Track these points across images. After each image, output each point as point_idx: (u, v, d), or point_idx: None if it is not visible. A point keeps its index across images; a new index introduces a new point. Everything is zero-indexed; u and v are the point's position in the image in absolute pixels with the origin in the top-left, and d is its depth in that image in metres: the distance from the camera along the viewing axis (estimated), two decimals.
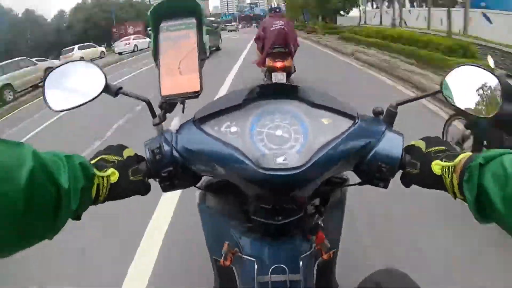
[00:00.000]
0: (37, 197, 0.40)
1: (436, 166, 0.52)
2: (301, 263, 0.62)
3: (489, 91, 0.61)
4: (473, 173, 0.45)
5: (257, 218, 0.61)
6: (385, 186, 0.60)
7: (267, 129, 0.56)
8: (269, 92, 0.60)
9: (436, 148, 0.55)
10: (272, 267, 0.61)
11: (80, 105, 0.60)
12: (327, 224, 0.68)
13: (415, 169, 0.55)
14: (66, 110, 0.61)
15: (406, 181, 0.58)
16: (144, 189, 0.59)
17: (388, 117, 0.61)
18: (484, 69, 0.61)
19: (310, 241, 0.66)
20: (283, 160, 0.52)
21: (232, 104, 0.58)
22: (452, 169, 0.50)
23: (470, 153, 0.50)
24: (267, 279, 0.60)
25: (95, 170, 0.52)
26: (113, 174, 0.54)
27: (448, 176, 0.50)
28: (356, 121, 0.57)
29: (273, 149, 0.54)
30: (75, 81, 0.61)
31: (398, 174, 0.59)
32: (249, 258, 0.63)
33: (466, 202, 0.48)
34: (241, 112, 0.58)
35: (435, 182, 0.53)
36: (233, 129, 0.56)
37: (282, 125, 0.56)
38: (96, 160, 0.56)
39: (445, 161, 0.51)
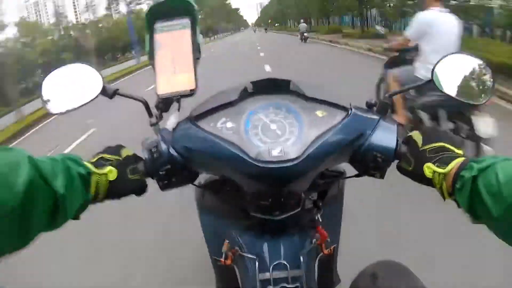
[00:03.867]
0: (33, 203, 0.40)
1: (428, 170, 0.52)
2: (302, 258, 0.62)
3: (479, 78, 0.62)
4: (466, 183, 0.45)
5: (255, 215, 0.61)
6: (382, 176, 0.60)
7: (262, 124, 0.57)
8: (263, 87, 0.61)
9: (432, 145, 0.55)
10: (273, 264, 0.61)
11: (78, 108, 0.61)
12: (326, 219, 0.68)
13: (409, 166, 0.56)
14: (64, 112, 0.61)
15: (400, 171, 0.59)
16: (141, 188, 0.60)
17: (381, 108, 0.62)
18: (474, 57, 0.62)
19: (310, 237, 0.66)
20: (279, 153, 0.52)
21: (227, 101, 0.59)
22: (443, 177, 0.50)
23: (463, 158, 0.50)
24: (268, 276, 0.60)
25: (93, 168, 0.52)
26: (111, 172, 0.54)
27: (438, 183, 0.51)
28: (350, 113, 0.58)
29: (268, 142, 0.54)
30: (72, 84, 0.62)
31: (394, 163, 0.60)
32: (250, 256, 0.63)
33: (456, 204, 0.49)
34: (236, 108, 0.59)
35: (427, 182, 0.54)
36: (229, 124, 0.57)
37: (277, 119, 0.57)
38: (95, 159, 0.57)
39: (437, 166, 0.51)
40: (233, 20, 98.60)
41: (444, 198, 0.52)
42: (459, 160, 0.50)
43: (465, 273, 1.54)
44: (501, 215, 0.40)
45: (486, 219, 0.44)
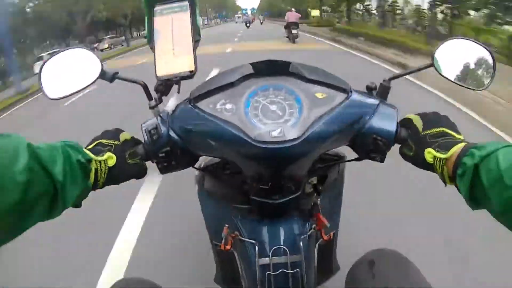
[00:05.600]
0: (33, 190, 0.40)
1: (429, 155, 0.52)
2: (301, 244, 0.62)
3: (480, 63, 0.61)
4: (467, 170, 0.45)
5: (255, 198, 0.61)
6: (382, 160, 0.60)
7: (262, 105, 0.56)
8: (263, 69, 0.60)
9: (432, 130, 0.55)
10: (273, 249, 0.61)
11: (77, 92, 0.61)
12: (326, 204, 0.68)
13: (410, 152, 0.56)
14: (63, 97, 0.61)
15: (403, 156, 0.59)
16: (141, 172, 0.60)
17: (381, 92, 0.62)
18: (474, 42, 0.62)
19: (309, 222, 0.66)
20: (279, 134, 0.52)
21: (226, 82, 0.59)
22: (444, 162, 0.50)
23: (464, 144, 0.50)
24: (268, 261, 0.60)
25: (92, 155, 0.52)
26: (110, 158, 0.54)
27: (439, 168, 0.51)
28: (350, 95, 0.58)
29: (268, 123, 0.54)
30: (71, 69, 0.62)
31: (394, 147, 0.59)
32: (249, 240, 0.63)
33: (457, 189, 0.49)
34: (235, 89, 0.59)
35: (428, 167, 0.54)
36: (228, 106, 0.57)
37: (277, 100, 0.57)
38: (93, 145, 0.57)
39: (437, 151, 0.51)
40: (229, 7, 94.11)
41: (445, 183, 0.51)
42: (460, 145, 0.50)
43: None
44: (502, 202, 0.40)
45: (487, 206, 0.44)
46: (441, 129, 0.55)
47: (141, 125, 0.60)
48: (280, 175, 0.58)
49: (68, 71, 0.62)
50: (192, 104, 0.59)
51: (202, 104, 0.58)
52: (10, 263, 1.83)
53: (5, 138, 0.41)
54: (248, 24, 28.77)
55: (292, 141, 0.52)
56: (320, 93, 0.57)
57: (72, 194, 0.46)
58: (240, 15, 58.73)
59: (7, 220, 0.38)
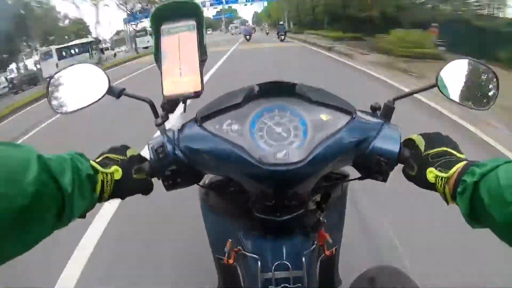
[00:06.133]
0: (42, 201, 0.40)
1: (430, 174, 0.52)
2: (304, 259, 0.62)
3: (484, 84, 0.62)
4: (467, 188, 0.45)
5: (259, 215, 0.62)
6: (384, 180, 0.60)
7: (267, 126, 0.57)
8: (268, 90, 0.61)
9: (434, 150, 0.55)
10: (275, 264, 0.61)
11: (84, 107, 0.61)
12: (329, 220, 0.68)
13: (412, 171, 0.56)
14: (71, 112, 0.62)
15: (406, 177, 0.59)
16: (147, 188, 0.60)
17: (385, 112, 0.62)
18: (478, 62, 0.62)
19: (312, 238, 0.66)
20: (284, 156, 0.53)
21: (232, 103, 0.59)
22: (445, 180, 0.50)
23: (465, 162, 0.50)
24: (270, 276, 0.61)
25: (99, 167, 0.52)
26: (116, 171, 0.55)
27: (441, 187, 0.51)
28: (354, 116, 0.58)
29: (273, 145, 0.55)
30: (78, 84, 0.62)
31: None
32: (252, 255, 0.64)
33: (460, 208, 0.49)
34: (241, 110, 0.59)
35: (430, 187, 0.54)
36: (234, 127, 0.57)
37: (282, 122, 0.57)
38: (100, 159, 0.57)
39: (439, 171, 0.51)
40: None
41: (447, 203, 0.52)
42: (461, 164, 0.50)
43: None
44: (503, 219, 0.40)
45: (488, 223, 0.44)
46: (443, 148, 0.55)
47: (148, 143, 0.60)
48: (284, 194, 0.59)
49: (75, 86, 0.63)
50: (198, 124, 0.59)
51: (208, 124, 0.59)
52: None
53: (16, 148, 0.41)
54: (248, 37, 23.95)
55: (296, 164, 0.52)
56: (324, 114, 0.58)
57: (79, 206, 0.46)
58: (237, 24, 50.52)
59: (14, 231, 0.39)
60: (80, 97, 0.62)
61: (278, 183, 0.56)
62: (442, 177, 0.51)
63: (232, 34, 42.66)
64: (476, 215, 0.45)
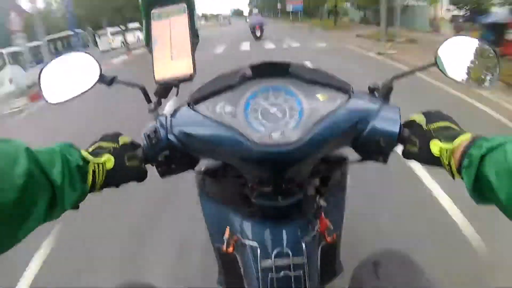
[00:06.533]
0: (32, 194, 0.40)
1: (435, 147, 0.51)
2: (304, 246, 0.61)
3: (484, 61, 0.60)
4: (473, 161, 0.44)
5: (257, 201, 0.61)
6: (385, 161, 0.59)
7: (262, 107, 0.56)
8: (262, 70, 0.60)
9: (436, 124, 0.53)
10: (275, 251, 0.60)
11: (76, 96, 0.61)
12: (329, 206, 0.67)
13: (415, 146, 0.55)
14: (63, 102, 0.61)
15: (406, 156, 0.58)
16: (140, 175, 0.59)
17: (383, 92, 0.61)
18: (477, 39, 0.61)
19: (312, 224, 0.65)
20: (279, 136, 0.52)
21: (225, 85, 0.58)
22: (450, 153, 0.49)
23: (470, 135, 0.48)
24: (270, 264, 0.60)
25: (89, 157, 0.51)
26: (108, 160, 0.54)
27: (446, 159, 0.49)
28: (351, 95, 0.57)
29: (268, 126, 0.54)
30: (70, 73, 0.62)
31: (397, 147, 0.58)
32: (251, 243, 0.62)
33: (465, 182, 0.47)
34: (235, 92, 0.58)
35: (434, 162, 0.52)
36: (228, 109, 0.56)
37: (277, 102, 0.56)
38: (92, 148, 0.56)
39: (443, 142, 0.50)
40: None
41: (453, 177, 0.50)
42: (467, 136, 0.48)
43: None
44: (510, 195, 0.39)
45: (493, 199, 0.43)
46: (445, 123, 0.54)
47: (142, 130, 0.59)
48: (282, 178, 0.57)
49: (67, 76, 0.62)
50: (191, 107, 0.58)
51: (201, 107, 0.57)
52: None
53: (4, 142, 0.41)
54: (258, 33, 14.24)
55: (293, 144, 0.51)
56: (320, 94, 0.57)
57: (70, 197, 0.46)
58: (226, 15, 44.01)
59: (6, 224, 0.38)
60: (72, 86, 0.61)
61: (274, 164, 0.54)
62: (447, 149, 0.49)
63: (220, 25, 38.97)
64: (481, 190, 0.44)
